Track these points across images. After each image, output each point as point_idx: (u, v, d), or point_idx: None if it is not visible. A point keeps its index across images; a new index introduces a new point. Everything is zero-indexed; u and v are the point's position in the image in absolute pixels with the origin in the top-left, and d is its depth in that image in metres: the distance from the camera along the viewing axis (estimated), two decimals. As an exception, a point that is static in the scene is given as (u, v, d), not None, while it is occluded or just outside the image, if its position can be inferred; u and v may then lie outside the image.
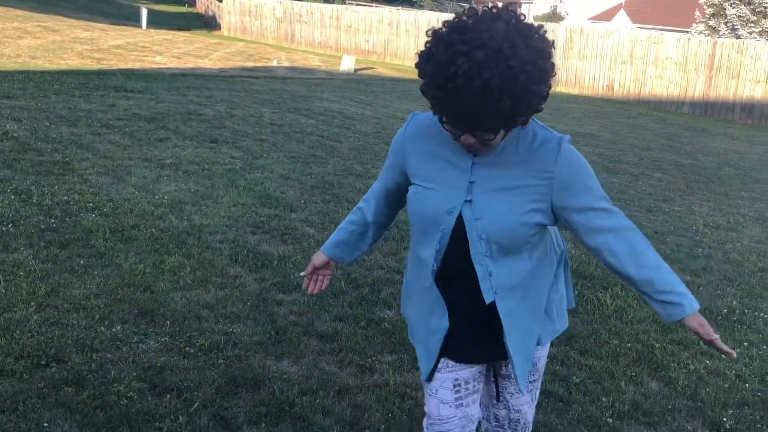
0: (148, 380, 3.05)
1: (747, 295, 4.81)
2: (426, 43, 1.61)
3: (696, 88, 17.76)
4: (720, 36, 27.29)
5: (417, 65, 1.63)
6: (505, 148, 1.78)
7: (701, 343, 3.95)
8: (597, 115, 15.23)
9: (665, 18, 38.09)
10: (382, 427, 2.85)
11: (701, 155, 11.15)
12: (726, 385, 3.50)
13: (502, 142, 1.76)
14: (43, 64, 13.82)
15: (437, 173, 1.83)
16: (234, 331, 3.57)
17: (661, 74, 18.33)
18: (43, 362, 3.10)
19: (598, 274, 4.89)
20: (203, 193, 5.96)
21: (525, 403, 2.10)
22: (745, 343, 4.02)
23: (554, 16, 47.38)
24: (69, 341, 3.30)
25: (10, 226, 4.69)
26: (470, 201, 1.78)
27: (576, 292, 4.53)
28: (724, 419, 3.16)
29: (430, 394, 1.99)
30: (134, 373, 3.08)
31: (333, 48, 26.47)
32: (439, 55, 1.54)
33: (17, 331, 3.33)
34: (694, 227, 6.50)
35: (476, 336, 1.92)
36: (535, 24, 1.62)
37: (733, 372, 3.65)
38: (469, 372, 1.97)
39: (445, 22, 1.61)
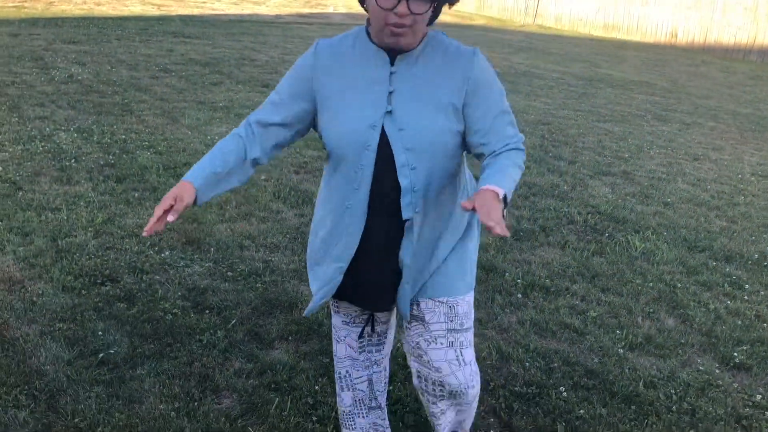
0: (192, 299, 3.35)
1: (783, 242, 4.81)
2: None
3: (766, 34, 16.99)
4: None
5: None
6: (421, 56, 1.77)
7: (726, 285, 4.03)
8: (656, 63, 14.81)
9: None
10: (400, 344, 3.08)
11: (763, 104, 10.81)
12: (744, 324, 3.58)
13: (417, 48, 1.77)
14: (107, 10, 14.25)
15: (352, 90, 1.76)
16: (272, 259, 3.84)
17: (729, 21, 17.58)
18: (98, 281, 3.43)
19: (632, 218, 4.96)
20: (252, 134, 6.21)
21: (444, 361, 1.94)
22: (771, 287, 4.07)
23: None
24: (122, 264, 3.62)
25: (72, 161, 5.05)
26: (390, 112, 1.74)
27: (606, 235, 4.62)
28: (735, 354, 3.27)
29: (337, 340, 2.11)
30: (179, 293, 3.39)
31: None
32: None
33: (77, 254, 3.67)
34: (739, 175, 6.42)
35: (379, 280, 1.92)
36: None
37: (754, 312, 3.72)
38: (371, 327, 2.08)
39: None
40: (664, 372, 3.09)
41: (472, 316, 2.01)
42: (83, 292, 3.31)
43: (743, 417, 2.82)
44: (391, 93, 1.74)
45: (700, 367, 3.16)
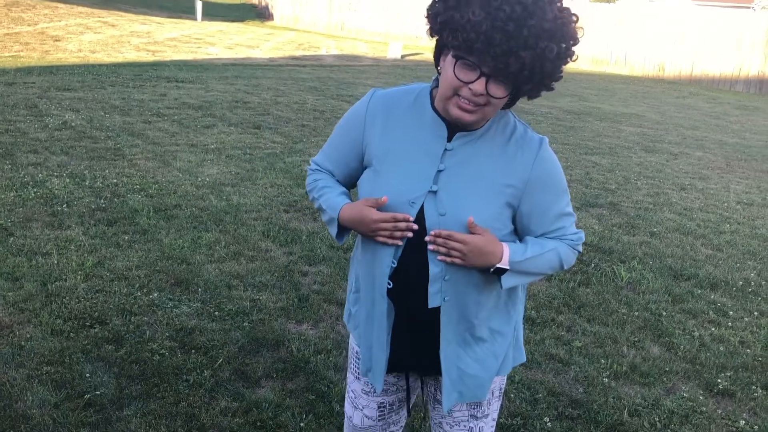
0: (179, 340, 3.37)
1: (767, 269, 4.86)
2: None
3: (751, 65, 17.28)
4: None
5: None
6: (483, 138, 1.63)
7: (710, 312, 4.06)
8: (645, 96, 15.03)
9: (726, -6, 36.76)
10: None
11: (749, 134, 10.95)
12: (728, 350, 3.61)
13: (481, 129, 1.62)
14: (101, 57, 14.47)
15: (400, 155, 1.63)
16: (260, 298, 3.87)
17: (715, 52, 17.89)
18: (87, 324, 3.46)
19: (618, 249, 5.01)
20: (243, 175, 6.30)
21: None
22: (756, 313, 4.10)
23: (610, -4, 46.28)
24: (111, 306, 3.65)
25: (64, 206, 5.11)
26: (435, 192, 1.59)
27: (593, 266, 4.67)
28: (719, 380, 3.30)
29: (355, 406, 1.95)
30: (167, 334, 3.42)
31: (382, 35, 26.67)
32: None
33: (66, 297, 3.70)
34: (725, 204, 6.50)
35: (413, 345, 1.76)
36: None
37: (738, 339, 3.76)
38: (395, 397, 1.92)
39: None
40: (648, 400, 3.11)
41: (498, 394, 1.89)
42: (72, 335, 3.34)
43: (727, 443, 2.83)
44: (440, 171, 1.60)
45: (685, 394, 3.18)
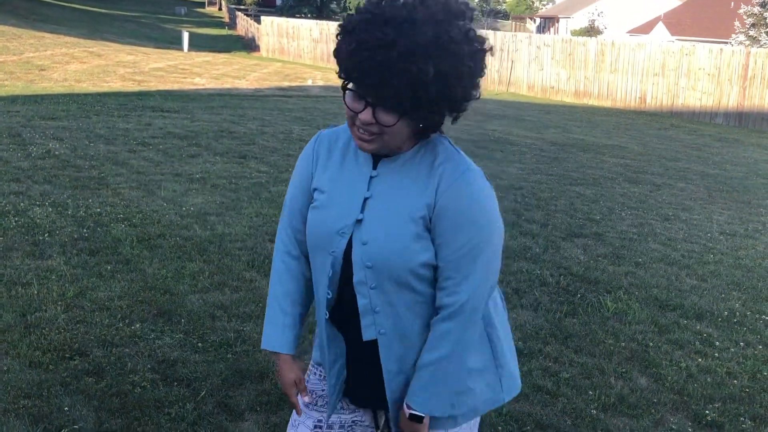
0: (161, 372, 3.31)
1: (752, 299, 4.87)
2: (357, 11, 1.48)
3: (730, 98, 17.58)
4: (761, 46, 26.92)
5: (344, 21, 1.49)
6: (406, 164, 1.60)
7: (697, 343, 4.06)
8: (627, 128, 15.21)
9: (704, 30, 37.60)
10: (373, 414, 3.05)
11: (729, 165, 11.09)
12: (715, 381, 3.60)
13: (407, 153, 1.60)
14: (87, 87, 14.46)
15: (334, 187, 1.65)
16: (244, 329, 3.82)
17: (694, 86, 18.20)
18: (67, 355, 3.39)
19: (604, 279, 5.01)
20: (228, 204, 6.27)
21: None
22: (742, 343, 4.10)
23: (592, 30, 47.14)
24: (92, 337, 3.59)
25: (46, 235, 5.05)
26: (360, 222, 1.59)
27: (579, 296, 4.66)
28: (707, 412, 3.28)
29: (293, 425, 1.85)
30: (149, 366, 3.35)
31: (368, 66, 26.87)
32: (377, 8, 1.43)
33: (46, 328, 3.63)
34: (709, 234, 6.54)
35: (363, 376, 1.70)
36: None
37: (725, 370, 3.75)
38: (337, 417, 1.78)
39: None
40: (636, 432, 3.08)
41: None
42: (51, 367, 3.27)
43: (716, 476, 2.81)
44: (366, 199, 1.59)
45: (673, 426, 3.16)
